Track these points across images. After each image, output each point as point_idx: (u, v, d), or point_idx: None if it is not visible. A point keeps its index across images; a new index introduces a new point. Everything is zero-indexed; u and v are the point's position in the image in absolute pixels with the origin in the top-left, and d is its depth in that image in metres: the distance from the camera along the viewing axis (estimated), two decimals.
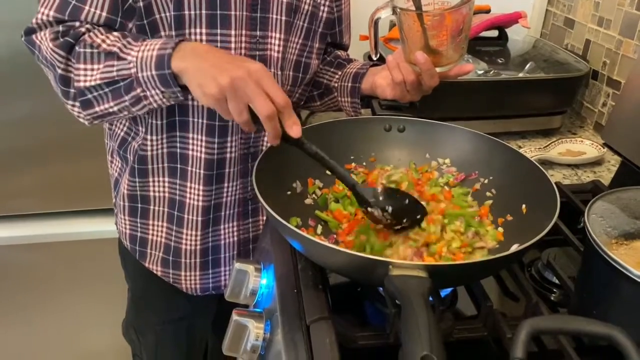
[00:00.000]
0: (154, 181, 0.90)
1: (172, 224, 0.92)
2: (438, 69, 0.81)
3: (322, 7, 0.91)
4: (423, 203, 0.78)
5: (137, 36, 0.74)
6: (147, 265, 0.97)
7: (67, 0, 0.74)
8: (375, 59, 0.91)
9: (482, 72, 1.19)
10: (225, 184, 0.90)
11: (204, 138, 0.85)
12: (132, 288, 1.07)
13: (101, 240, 1.36)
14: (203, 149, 0.85)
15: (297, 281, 0.69)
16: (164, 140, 0.86)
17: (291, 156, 0.75)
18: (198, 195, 0.88)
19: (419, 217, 0.74)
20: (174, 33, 0.78)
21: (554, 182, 0.71)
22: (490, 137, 0.83)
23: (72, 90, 0.74)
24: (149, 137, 0.85)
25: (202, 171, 0.87)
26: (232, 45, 0.80)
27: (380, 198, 0.74)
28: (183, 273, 0.96)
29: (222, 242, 0.95)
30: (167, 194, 0.90)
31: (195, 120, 0.84)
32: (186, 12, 0.77)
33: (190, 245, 0.93)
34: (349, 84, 0.95)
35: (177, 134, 0.85)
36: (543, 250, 0.81)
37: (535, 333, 0.48)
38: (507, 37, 1.39)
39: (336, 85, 0.99)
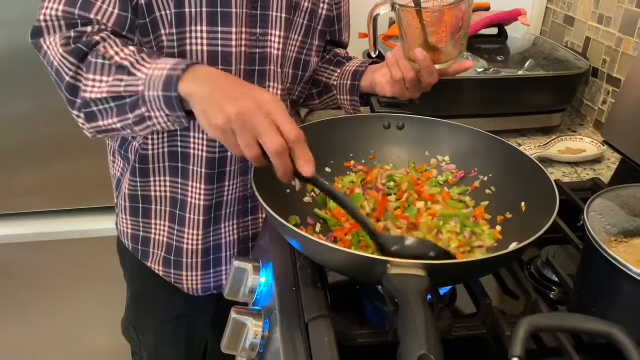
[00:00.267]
0: (155, 181, 0.89)
1: (174, 224, 0.92)
2: (437, 66, 0.81)
3: (321, 5, 0.91)
4: (421, 203, 0.78)
5: (153, 53, 0.71)
6: (149, 265, 0.97)
7: None
8: (374, 56, 0.91)
9: (481, 69, 1.19)
10: (227, 182, 0.89)
11: (205, 137, 0.84)
12: (132, 287, 1.07)
13: (101, 238, 1.36)
14: (205, 148, 0.85)
15: (296, 279, 0.69)
16: (165, 140, 0.86)
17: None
18: (200, 194, 0.88)
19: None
20: (174, 31, 0.77)
21: (554, 180, 0.71)
22: (490, 134, 0.83)
23: (78, 101, 0.72)
24: (150, 136, 0.85)
25: (203, 170, 0.87)
26: (233, 43, 0.80)
27: (404, 247, 0.66)
28: (185, 273, 0.96)
29: (223, 240, 0.94)
30: (168, 193, 0.90)
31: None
32: (187, 10, 0.77)
33: (192, 244, 0.93)
34: (348, 82, 0.95)
35: (178, 132, 0.85)
36: (542, 248, 0.81)
37: (534, 331, 0.48)
38: (506, 34, 1.39)
39: (335, 83, 0.98)
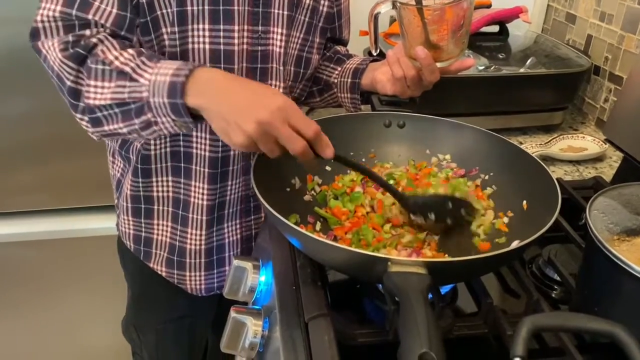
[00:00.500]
0: (157, 181, 0.89)
1: (176, 224, 0.91)
2: (439, 64, 0.80)
3: (322, 2, 0.91)
4: (419, 190, 0.79)
5: (152, 55, 0.71)
6: (151, 265, 0.96)
7: None
8: (375, 54, 0.90)
9: (482, 67, 1.19)
10: (229, 182, 0.89)
11: (207, 136, 0.84)
12: (133, 287, 1.07)
13: (101, 237, 1.36)
14: (207, 147, 0.85)
15: (295, 278, 0.68)
16: (167, 140, 0.85)
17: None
18: (202, 194, 0.88)
19: (463, 212, 0.75)
20: (176, 29, 0.77)
21: (555, 178, 0.71)
22: (491, 132, 0.83)
23: (82, 105, 0.71)
24: None
25: (206, 169, 0.86)
26: (235, 41, 0.80)
27: (425, 204, 0.74)
28: (188, 274, 0.95)
29: (226, 240, 0.94)
30: (171, 194, 0.89)
31: None
32: (188, 8, 0.76)
33: (195, 244, 0.92)
34: (349, 80, 0.95)
35: (181, 132, 0.84)
36: (544, 246, 0.81)
37: (536, 330, 0.47)
38: (508, 32, 1.39)
39: (336, 81, 0.98)
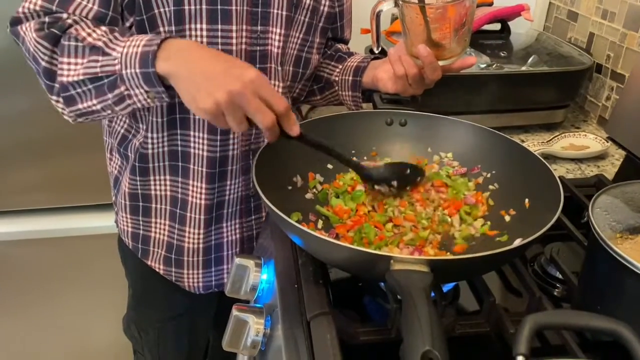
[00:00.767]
0: (155, 180, 0.89)
1: (174, 222, 0.91)
2: (440, 62, 0.80)
3: (323, 2, 0.90)
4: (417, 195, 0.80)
5: (125, 31, 0.72)
6: (149, 263, 0.96)
7: None
8: (377, 52, 0.90)
9: (484, 65, 1.18)
10: (228, 182, 0.89)
11: (205, 136, 0.84)
12: (133, 285, 1.07)
13: (102, 235, 1.36)
14: (205, 147, 0.85)
15: (297, 276, 0.68)
16: (165, 138, 0.85)
17: (291, 151, 0.75)
18: (200, 193, 0.88)
19: (419, 179, 0.81)
20: (173, 29, 0.76)
21: (558, 176, 0.71)
22: (493, 130, 0.83)
23: (56, 85, 0.72)
24: (149, 135, 0.84)
25: (204, 169, 0.86)
26: (233, 41, 0.79)
27: (385, 174, 0.79)
28: (185, 271, 0.95)
29: (225, 239, 0.94)
30: (169, 192, 0.89)
31: (197, 117, 0.83)
32: (186, 7, 0.76)
33: (193, 243, 0.92)
34: (350, 78, 0.95)
35: (179, 131, 0.84)
36: (546, 245, 0.80)
37: (539, 328, 0.47)
38: (509, 30, 1.38)
39: (337, 79, 0.98)
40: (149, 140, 0.85)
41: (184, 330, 1.06)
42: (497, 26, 1.38)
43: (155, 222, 0.93)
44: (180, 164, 0.87)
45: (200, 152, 0.85)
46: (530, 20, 1.38)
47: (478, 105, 1.19)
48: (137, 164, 0.87)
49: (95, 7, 0.74)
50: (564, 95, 1.25)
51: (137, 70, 0.66)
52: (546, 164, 0.73)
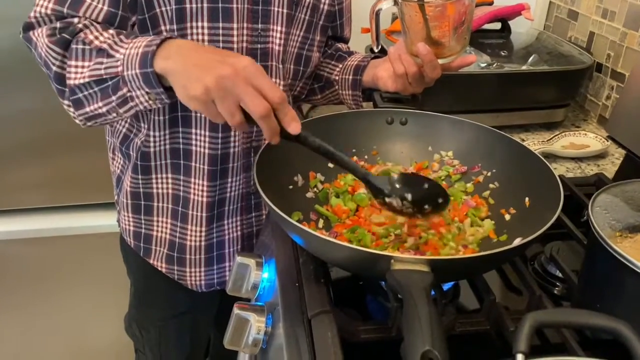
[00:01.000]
0: (157, 178, 0.89)
1: (176, 220, 0.91)
2: (440, 61, 0.80)
3: (323, 0, 0.90)
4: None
5: (131, 33, 0.72)
6: (151, 262, 0.96)
7: None
8: (376, 51, 0.90)
9: (484, 64, 1.18)
10: (229, 179, 0.89)
11: (207, 133, 0.84)
12: (135, 284, 1.07)
13: (104, 234, 1.36)
14: (207, 145, 0.85)
15: (298, 275, 0.68)
16: (167, 137, 0.85)
17: (292, 149, 0.75)
18: (202, 191, 0.88)
19: (440, 201, 0.67)
20: (175, 27, 0.77)
21: (558, 175, 0.71)
22: (494, 129, 0.83)
23: (67, 90, 0.72)
24: (151, 133, 0.85)
25: (205, 167, 0.86)
26: (234, 39, 0.80)
27: (397, 186, 0.68)
28: (188, 269, 0.95)
29: (226, 237, 0.94)
30: (170, 191, 0.90)
31: (198, 115, 0.83)
32: (187, 6, 0.76)
33: (195, 241, 0.92)
34: (350, 77, 0.95)
35: (180, 129, 0.84)
36: (546, 243, 0.81)
37: (539, 326, 0.47)
38: (510, 29, 1.38)
39: (337, 78, 0.98)
40: (151, 139, 0.85)
41: (186, 328, 1.07)
42: (497, 25, 1.38)
43: (157, 221, 0.93)
44: (182, 161, 0.87)
45: (202, 150, 0.85)
46: (531, 20, 1.38)
47: (478, 104, 1.20)
48: (139, 163, 0.88)
49: (106, 8, 0.74)
50: (564, 94, 1.25)
51: (137, 71, 0.66)
52: (546, 162, 0.73)
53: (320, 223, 0.77)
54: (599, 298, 0.61)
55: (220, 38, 0.79)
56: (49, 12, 0.74)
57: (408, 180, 0.69)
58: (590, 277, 0.64)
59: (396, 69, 0.83)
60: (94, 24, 0.73)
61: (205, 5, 0.76)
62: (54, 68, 0.72)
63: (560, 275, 0.74)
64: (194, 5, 0.76)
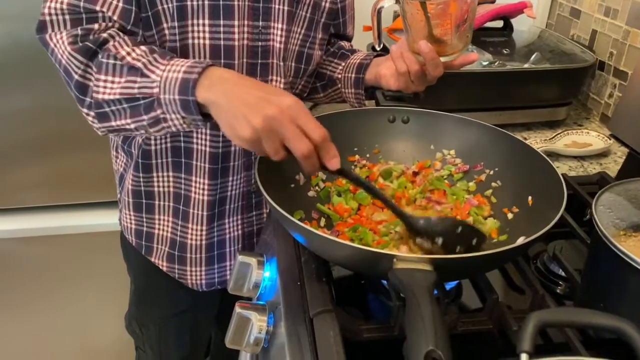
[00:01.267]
0: (158, 176, 0.89)
1: (177, 219, 0.91)
2: (442, 59, 0.80)
3: None
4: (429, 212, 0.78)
5: (165, 53, 0.71)
6: (152, 260, 0.96)
7: None
8: (378, 49, 0.90)
9: (487, 63, 1.18)
10: (230, 178, 0.89)
11: (208, 132, 0.84)
12: (135, 282, 1.07)
13: (104, 233, 1.36)
14: (208, 143, 0.85)
15: (300, 274, 0.68)
16: (168, 135, 0.85)
17: None
18: (203, 189, 0.88)
19: (474, 242, 0.67)
20: (176, 24, 0.76)
21: (561, 174, 0.70)
22: (496, 127, 0.82)
23: (89, 100, 0.71)
24: None
25: (207, 165, 0.86)
26: (235, 36, 0.79)
27: (430, 228, 0.67)
28: (189, 268, 0.95)
29: (227, 236, 0.94)
30: (172, 189, 0.90)
31: None
32: (188, 3, 0.76)
33: (196, 240, 0.92)
34: (353, 75, 0.94)
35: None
36: (549, 242, 0.80)
37: (543, 326, 0.47)
38: (512, 27, 1.38)
39: (339, 76, 0.98)
40: (152, 137, 0.85)
41: (186, 327, 1.07)
42: (499, 23, 1.38)
43: (159, 219, 0.93)
44: (183, 160, 0.87)
45: (203, 148, 0.85)
46: (533, 18, 1.38)
47: (480, 102, 1.19)
48: (140, 161, 0.87)
49: (121, 4, 0.73)
50: (566, 92, 1.25)
51: (177, 97, 0.65)
52: (549, 161, 0.73)
53: (322, 222, 0.77)
54: (602, 297, 0.61)
55: (222, 35, 0.79)
56: (64, 6, 0.72)
57: (443, 223, 0.69)
58: (594, 276, 0.64)
59: (398, 67, 0.83)
60: (120, 34, 0.72)
61: (206, 2, 0.76)
62: (76, 77, 0.70)
63: (563, 274, 0.74)
64: (195, 3, 0.76)
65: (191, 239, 0.92)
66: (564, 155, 1.13)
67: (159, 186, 0.90)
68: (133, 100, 0.68)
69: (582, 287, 0.67)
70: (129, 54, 0.69)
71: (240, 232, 0.95)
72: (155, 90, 0.66)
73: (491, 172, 0.82)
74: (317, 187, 0.81)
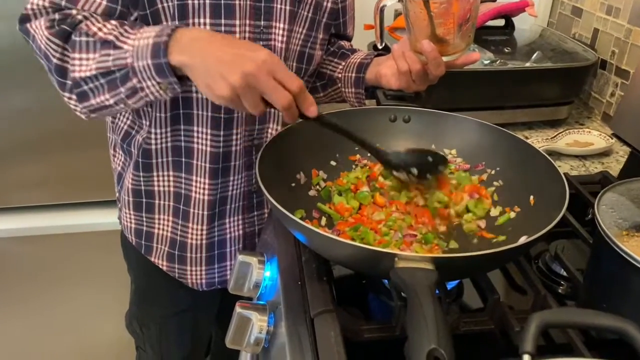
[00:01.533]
0: (158, 175, 0.89)
1: (177, 218, 0.91)
2: (444, 58, 0.79)
3: None
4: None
5: (135, 24, 0.72)
6: (152, 259, 0.96)
7: None
8: (381, 47, 0.90)
9: (488, 61, 1.18)
10: (231, 177, 0.89)
11: (209, 131, 0.84)
12: (135, 281, 1.07)
13: (104, 232, 1.36)
14: (208, 142, 0.84)
15: (301, 273, 0.68)
16: (169, 134, 0.85)
17: (294, 147, 0.74)
18: (204, 189, 0.87)
19: (440, 167, 0.76)
20: (177, 23, 0.76)
21: (563, 173, 0.70)
22: (498, 127, 0.82)
23: (68, 82, 0.72)
24: (153, 130, 0.84)
25: (207, 165, 0.86)
26: (237, 36, 0.79)
27: (405, 160, 0.76)
28: (189, 268, 0.95)
29: (228, 236, 0.94)
30: (172, 188, 0.89)
31: (200, 112, 0.83)
32: (189, 2, 0.75)
33: (196, 239, 0.92)
34: (353, 75, 0.94)
35: (182, 127, 0.84)
36: (551, 242, 0.80)
37: (545, 326, 0.47)
38: (513, 26, 1.38)
39: (340, 76, 0.97)
40: (152, 136, 0.85)
41: (187, 326, 1.06)
42: (501, 22, 1.37)
43: (159, 219, 0.92)
44: (183, 159, 0.86)
45: (204, 148, 0.85)
46: (535, 16, 1.37)
47: (482, 101, 1.19)
48: (140, 160, 0.87)
49: (104, 3, 0.74)
50: (568, 91, 1.24)
51: (149, 62, 0.66)
52: (551, 160, 0.73)
53: (323, 221, 0.76)
54: (605, 297, 0.61)
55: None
56: (46, 4, 0.73)
57: (414, 155, 0.78)
58: (596, 276, 0.64)
59: (400, 67, 0.83)
60: (94, 15, 0.73)
61: (207, 1, 0.76)
62: (55, 60, 0.71)
63: (565, 274, 0.74)
64: (196, 2, 0.76)
65: (191, 239, 0.92)
66: (566, 155, 1.13)
67: (159, 185, 0.90)
68: (109, 73, 0.69)
69: (584, 287, 0.67)
70: (100, 29, 0.70)
71: (241, 232, 0.94)
72: (129, 60, 0.67)
73: (492, 172, 0.81)
74: (317, 187, 0.81)
